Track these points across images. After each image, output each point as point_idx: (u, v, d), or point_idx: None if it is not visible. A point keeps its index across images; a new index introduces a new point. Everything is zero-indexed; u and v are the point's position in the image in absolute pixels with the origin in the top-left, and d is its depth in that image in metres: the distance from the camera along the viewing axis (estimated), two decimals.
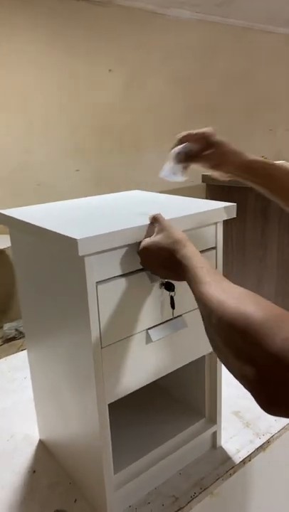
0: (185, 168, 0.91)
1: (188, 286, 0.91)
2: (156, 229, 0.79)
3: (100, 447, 0.88)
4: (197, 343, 0.98)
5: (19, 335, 3.14)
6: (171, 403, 1.18)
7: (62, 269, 0.84)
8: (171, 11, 3.38)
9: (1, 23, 2.61)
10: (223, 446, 1.13)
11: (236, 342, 0.48)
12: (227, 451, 1.12)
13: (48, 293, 0.93)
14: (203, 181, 1.45)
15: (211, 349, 1.03)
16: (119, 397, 0.87)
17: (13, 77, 2.68)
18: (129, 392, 0.89)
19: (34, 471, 1.09)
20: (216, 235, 0.96)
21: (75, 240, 0.72)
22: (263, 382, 0.44)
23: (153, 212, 0.82)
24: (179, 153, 0.88)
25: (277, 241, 1.27)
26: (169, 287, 0.87)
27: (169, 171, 0.90)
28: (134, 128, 3.33)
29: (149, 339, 0.88)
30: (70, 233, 0.74)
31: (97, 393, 0.83)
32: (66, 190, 3.06)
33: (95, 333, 0.80)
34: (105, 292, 0.79)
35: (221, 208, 0.93)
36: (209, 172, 0.91)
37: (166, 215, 0.84)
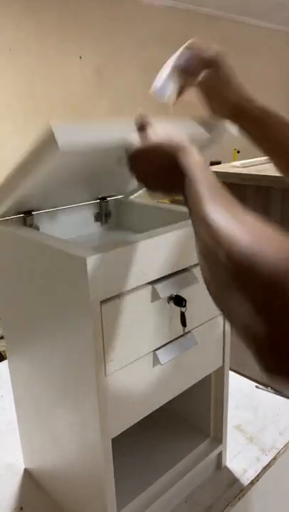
0: (178, 86, 0.75)
1: (199, 299, 0.81)
2: (150, 132, 0.62)
3: (101, 484, 0.78)
4: (205, 359, 0.89)
5: None
6: (173, 421, 1.08)
7: (56, 281, 0.72)
8: None
9: None
10: (229, 466, 1.05)
11: (252, 287, 0.36)
12: (233, 471, 1.03)
13: (38, 304, 0.80)
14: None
15: (218, 366, 0.94)
16: (125, 428, 0.77)
17: None
18: (135, 422, 0.78)
19: (21, 508, 0.96)
20: None
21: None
22: (280, 339, 0.34)
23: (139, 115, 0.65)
24: (175, 68, 0.73)
25: None
26: (180, 302, 0.76)
27: (162, 86, 0.75)
28: (108, 117, 3.19)
29: (157, 361, 0.77)
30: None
31: (101, 427, 0.72)
32: None
33: (98, 360, 0.68)
34: (110, 312, 0.68)
35: None
36: (199, 103, 0.76)
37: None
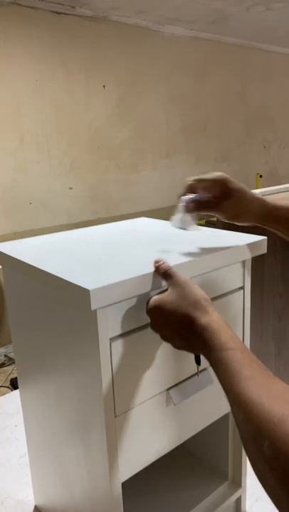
0: (197, 216, 0.78)
1: None
2: (168, 284, 0.62)
3: None
4: (222, 398, 0.84)
5: (8, 361, 2.96)
6: (188, 463, 1.03)
7: (67, 317, 0.71)
8: (165, 27, 3.32)
9: None
10: None
11: None
12: None
13: (48, 337, 0.78)
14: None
15: None
16: (135, 472, 0.73)
17: (5, 91, 2.56)
18: (146, 466, 0.74)
19: None
20: (243, 274, 0.83)
21: (86, 290, 0.58)
22: None
23: (159, 260, 0.65)
24: (188, 204, 0.75)
25: None
26: None
27: (180, 222, 0.77)
28: (130, 145, 3.24)
29: (170, 401, 0.74)
30: (81, 281, 0.61)
31: (110, 471, 0.69)
32: (60, 209, 2.93)
33: (108, 400, 0.66)
34: (120, 349, 0.66)
35: (251, 244, 0.80)
36: (226, 220, 0.77)
37: (185, 256, 0.71)
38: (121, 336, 0.66)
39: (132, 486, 0.82)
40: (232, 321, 0.83)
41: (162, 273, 0.64)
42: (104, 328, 0.63)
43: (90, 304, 0.59)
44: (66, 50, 2.78)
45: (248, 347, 0.88)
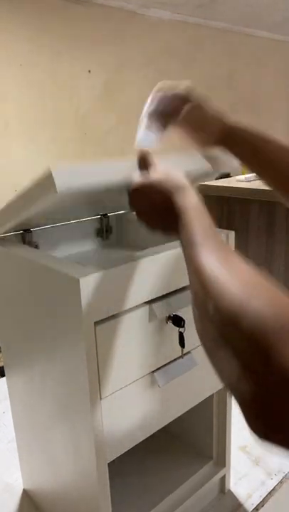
0: (160, 132, 0.75)
1: None
2: (150, 170, 0.62)
3: (98, 509, 0.75)
4: (207, 380, 0.86)
5: None
6: (174, 444, 1.05)
7: (50, 300, 0.71)
8: (151, 11, 3.27)
9: None
10: (232, 490, 1.01)
11: (237, 343, 0.35)
12: (237, 496, 1.00)
13: (33, 322, 0.79)
14: (199, 192, 1.33)
15: (220, 387, 0.92)
16: (121, 453, 0.74)
17: None
18: (132, 446, 0.76)
19: None
20: None
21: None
22: (264, 401, 0.31)
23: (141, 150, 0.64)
24: (151, 115, 0.73)
25: (284, 257, 1.17)
26: (178, 322, 0.74)
27: (143, 137, 0.74)
28: (117, 131, 3.21)
29: (154, 383, 0.75)
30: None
31: (96, 452, 0.70)
32: None
33: (93, 383, 0.66)
34: (105, 333, 0.66)
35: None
36: (186, 140, 0.74)
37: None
38: (106, 319, 0.66)
39: (118, 467, 0.83)
40: None
41: (142, 161, 0.63)
42: (88, 312, 0.63)
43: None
44: (50, 33, 2.72)
45: None
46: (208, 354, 0.39)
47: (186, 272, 0.74)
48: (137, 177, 0.61)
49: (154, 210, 0.59)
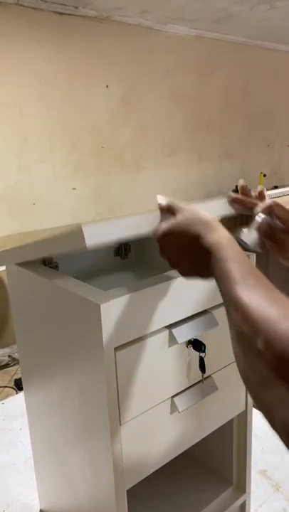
0: (263, 241, 0.73)
1: (219, 342, 0.78)
2: (176, 212, 0.60)
3: None
4: (227, 405, 0.84)
5: (12, 361, 2.96)
6: (193, 468, 1.03)
7: (73, 326, 0.71)
8: (168, 27, 3.31)
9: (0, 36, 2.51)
10: None
11: None
12: None
13: (53, 340, 0.78)
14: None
15: (240, 411, 0.90)
16: (140, 479, 0.73)
17: (9, 91, 2.56)
18: (150, 473, 0.74)
19: None
20: None
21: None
22: None
23: (162, 198, 0.63)
24: (262, 224, 0.70)
25: None
26: (198, 347, 0.73)
27: (249, 239, 0.73)
28: (134, 144, 3.23)
29: (174, 408, 0.74)
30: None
31: (115, 478, 0.69)
32: (63, 209, 2.93)
33: (112, 408, 0.66)
34: (125, 358, 0.66)
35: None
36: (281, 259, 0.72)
37: None
38: (126, 345, 0.66)
39: (137, 492, 0.82)
40: None
41: (166, 208, 0.61)
42: (108, 338, 0.63)
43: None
44: (69, 50, 2.77)
45: None
46: (257, 398, 0.37)
47: (206, 295, 0.73)
48: (162, 224, 0.59)
49: (184, 253, 0.57)
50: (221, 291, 0.46)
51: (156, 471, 0.82)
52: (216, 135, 3.80)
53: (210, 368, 0.78)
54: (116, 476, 0.68)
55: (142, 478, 0.73)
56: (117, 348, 0.64)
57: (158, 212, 0.61)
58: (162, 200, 0.62)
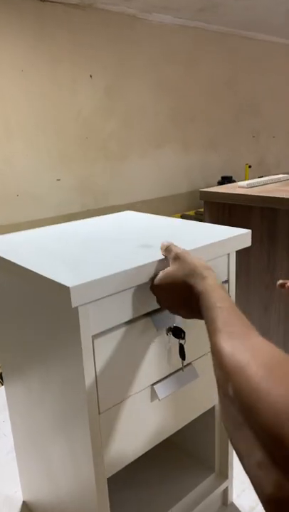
0: None
1: (199, 330, 0.78)
2: (170, 259, 0.66)
3: None
4: (208, 392, 0.84)
5: None
6: (175, 455, 1.03)
7: (49, 314, 0.70)
8: (152, 15, 3.27)
9: None
10: (235, 503, 1.00)
11: (258, 429, 0.33)
12: (240, 508, 0.98)
13: (32, 334, 0.77)
14: (201, 198, 1.32)
15: None
16: (121, 467, 0.73)
17: None
18: (131, 461, 0.74)
19: None
20: (228, 267, 0.83)
21: (66, 287, 0.58)
22: (284, 498, 0.30)
23: (164, 242, 0.69)
24: None
25: (287, 266, 1.15)
26: (178, 334, 0.73)
27: None
28: (119, 135, 3.20)
29: (154, 396, 0.74)
30: (61, 278, 0.60)
31: (95, 467, 0.69)
32: (48, 201, 2.90)
33: (91, 397, 0.65)
34: (103, 346, 0.65)
35: (235, 237, 0.79)
36: None
37: None
38: (104, 332, 0.65)
39: (118, 480, 0.82)
40: None
41: (164, 249, 0.68)
42: (86, 326, 0.62)
43: (70, 301, 0.58)
44: (51, 39, 2.72)
45: None
46: (231, 437, 0.39)
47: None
48: (157, 279, 0.65)
49: (177, 299, 0.63)
50: (208, 334, 0.49)
51: (138, 459, 0.82)
52: (201, 126, 3.79)
53: (190, 356, 0.78)
54: (96, 464, 0.68)
55: (123, 466, 0.73)
56: (95, 336, 0.64)
57: (146, 268, 0.66)
58: (164, 246, 0.69)
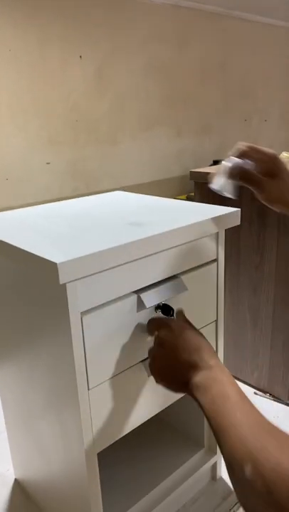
0: (238, 186, 0.74)
1: (188, 307, 0.78)
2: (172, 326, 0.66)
3: (88, 499, 0.75)
4: None
5: None
6: (165, 432, 1.05)
7: (37, 291, 0.69)
8: None
9: None
10: (224, 477, 1.02)
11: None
12: (228, 483, 1.00)
13: (21, 312, 0.77)
14: (191, 178, 1.32)
15: None
16: (110, 443, 0.74)
17: None
18: (121, 436, 0.75)
19: None
20: (217, 246, 0.83)
21: (54, 263, 0.57)
22: None
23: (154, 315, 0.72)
24: (234, 168, 0.70)
25: (276, 247, 1.16)
26: (167, 311, 0.73)
27: (220, 185, 0.73)
28: (110, 118, 3.16)
29: (144, 373, 0.74)
30: (49, 255, 0.59)
31: (85, 443, 0.69)
32: (38, 185, 2.87)
33: (80, 373, 0.66)
34: (92, 323, 0.65)
35: (223, 215, 0.79)
36: (263, 201, 0.73)
37: (160, 226, 0.70)
38: (92, 309, 0.65)
39: (109, 457, 0.83)
40: (206, 294, 0.83)
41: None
42: (74, 303, 0.62)
43: (58, 278, 0.57)
44: (40, 18, 2.65)
45: (223, 319, 0.89)
46: (240, 501, 0.41)
47: (175, 260, 0.73)
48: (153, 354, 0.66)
49: (176, 381, 0.62)
50: (209, 419, 0.52)
51: (128, 436, 0.83)
52: (193, 108, 3.75)
53: None
54: (86, 439, 0.69)
55: (113, 441, 0.74)
56: (83, 313, 0.64)
57: (136, 241, 0.66)
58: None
